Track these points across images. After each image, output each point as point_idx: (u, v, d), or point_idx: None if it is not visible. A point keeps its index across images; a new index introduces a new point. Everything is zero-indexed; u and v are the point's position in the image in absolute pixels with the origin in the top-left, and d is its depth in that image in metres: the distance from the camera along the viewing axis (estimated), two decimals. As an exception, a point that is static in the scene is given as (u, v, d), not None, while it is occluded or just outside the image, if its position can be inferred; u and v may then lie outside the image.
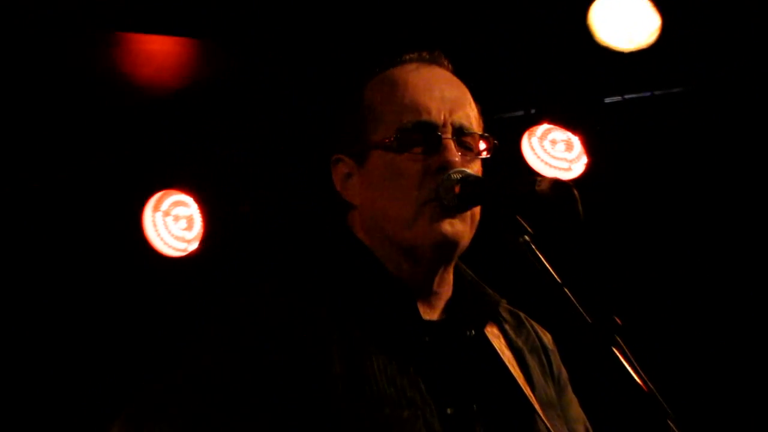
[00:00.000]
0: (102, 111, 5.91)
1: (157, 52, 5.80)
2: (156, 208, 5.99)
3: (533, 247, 2.68)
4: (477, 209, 2.89)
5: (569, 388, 3.12)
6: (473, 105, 3.02)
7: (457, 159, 2.86)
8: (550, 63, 5.71)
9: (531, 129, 5.76)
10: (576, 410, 3.10)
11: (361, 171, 2.96)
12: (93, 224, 6.13)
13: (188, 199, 5.97)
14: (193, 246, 5.95)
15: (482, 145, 2.97)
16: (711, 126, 5.93)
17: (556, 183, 2.71)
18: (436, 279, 2.95)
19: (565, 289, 2.62)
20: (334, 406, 2.76)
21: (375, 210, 2.94)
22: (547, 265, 2.66)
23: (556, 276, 2.64)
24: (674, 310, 6.11)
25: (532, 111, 5.77)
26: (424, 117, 2.91)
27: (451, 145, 2.88)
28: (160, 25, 5.55)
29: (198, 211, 5.95)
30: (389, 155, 2.92)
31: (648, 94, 5.85)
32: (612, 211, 6.02)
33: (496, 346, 2.96)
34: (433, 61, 3.03)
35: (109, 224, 6.10)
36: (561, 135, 5.77)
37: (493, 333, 3.00)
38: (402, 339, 2.89)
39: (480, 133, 2.96)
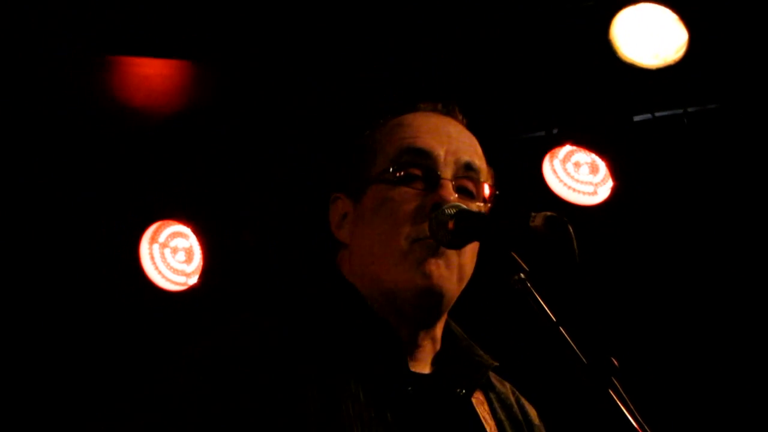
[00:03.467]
0: (94, 137, 5.98)
1: (151, 76, 5.88)
2: (153, 240, 6.06)
3: (528, 285, 2.71)
4: (468, 263, 2.97)
5: None
6: (482, 157, 3.11)
7: (453, 197, 2.93)
8: (573, 80, 5.72)
9: (553, 151, 5.79)
10: None
11: (356, 208, 3.05)
12: (87, 259, 6.17)
13: (186, 230, 6.03)
14: (193, 279, 6.02)
15: (485, 192, 3.05)
16: (750, 145, 5.89)
17: (550, 219, 2.78)
18: (421, 333, 3.02)
19: (561, 329, 2.65)
20: None
21: (363, 248, 3.02)
22: (543, 304, 2.69)
23: (551, 315, 2.66)
24: (705, 340, 6.12)
25: (554, 131, 5.79)
26: (425, 149, 3.01)
27: (449, 185, 2.96)
28: (154, 48, 5.63)
29: (197, 242, 6.01)
30: (384, 188, 3.00)
31: (680, 111, 5.81)
32: (640, 238, 6.08)
33: (479, 412, 3.03)
34: (447, 113, 3.15)
35: (104, 258, 6.14)
36: (585, 157, 5.80)
37: (477, 399, 3.07)
38: (384, 386, 2.95)
39: (482, 171, 3.06)
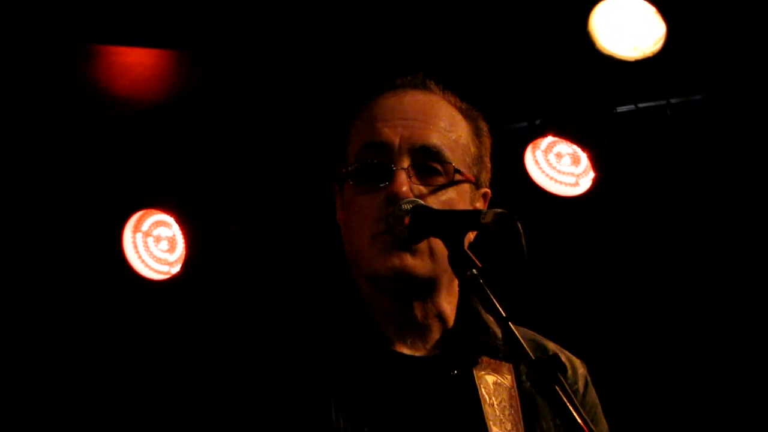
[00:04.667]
0: (77, 125, 5.96)
1: (134, 65, 5.87)
2: (136, 229, 6.06)
3: (480, 281, 2.72)
4: (438, 242, 2.92)
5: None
6: (457, 127, 3.09)
7: (404, 189, 2.94)
8: (555, 71, 5.75)
9: (535, 141, 5.82)
10: None
11: (342, 199, 3.10)
12: (69, 247, 6.16)
13: (170, 219, 6.02)
14: (176, 268, 6.01)
15: (452, 171, 3.03)
16: (733, 136, 5.92)
17: (500, 216, 2.76)
18: (417, 312, 3.04)
19: (510, 324, 2.66)
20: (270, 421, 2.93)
21: (345, 237, 3.08)
22: (493, 300, 2.70)
23: (501, 311, 2.67)
24: (683, 330, 6.12)
25: (537, 122, 5.81)
26: (380, 142, 3.01)
27: (402, 175, 2.97)
28: (136, 36, 5.61)
29: (180, 231, 6.00)
30: (351, 184, 3.04)
31: (663, 102, 5.83)
32: (622, 230, 6.12)
33: (483, 388, 3.00)
34: (414, 86, 3.12)
35: (86, 246, 6.14)
36: (567, 148, 5.82)
37: (488, 371, 3.04)
38: (367, 374, 2.98)
39: (445, 154, 3.02)
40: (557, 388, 2.54)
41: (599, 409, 3.17)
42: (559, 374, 2.57)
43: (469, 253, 2.79)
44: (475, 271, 2.74)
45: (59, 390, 6.35)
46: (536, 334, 3.16)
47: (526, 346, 2.69)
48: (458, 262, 2.77)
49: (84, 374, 6.29)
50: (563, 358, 3.05)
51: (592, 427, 2.54)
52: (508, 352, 2.87)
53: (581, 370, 3.17)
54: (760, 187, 6.01)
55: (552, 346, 3.16)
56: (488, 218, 2.78)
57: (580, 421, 2.52)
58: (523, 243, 2.69)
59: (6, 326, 6.35)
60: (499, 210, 2.87)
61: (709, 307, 6.18)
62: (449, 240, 2.81)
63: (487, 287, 2.73)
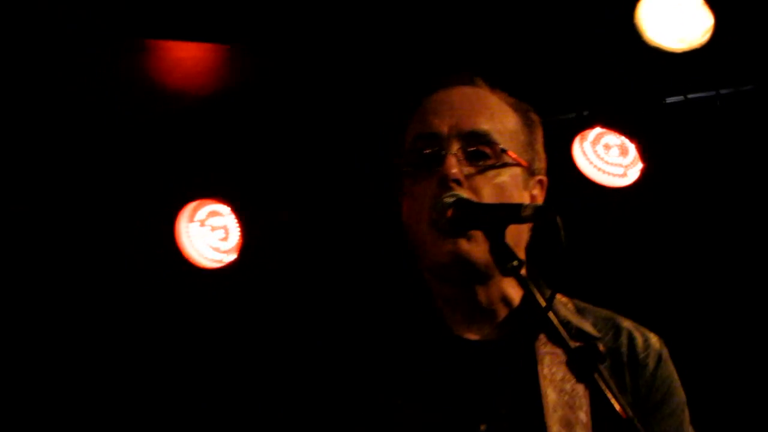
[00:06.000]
0: (133, 118, 6.03)
1: (188, 59, 5.88)
2: (191, 219, 6.11)
3: (520, 272, 2.73)
4: None
5: (664, 410, 3.09)
6: (505, 116, 3.11)
7: (454, 170, 2.97)
8: (604, 62, 5.73)
9: (582, 133, 5.80)
10: (664, 427, 3.07)
11: (404, 195, 3.14)
12: (125, 238, 6.23)
13: (224, 209, 6.08)
14: (231, 257, 6.06)
15: (502, 153, 3.03)
16: None
17: (540, 209, 2.79)
18: (481, 297, 3.05)
19: (550, 314, 2.67)
20: (336, 403, 3.00)
21: (409, 233, 3.09)
22: (533, 290, 2.71)
23: (541, 300, 2.68)
24: (731, 323, 6.05)
25: (585, 113, 5.81)
26: (430, 132, 3.05)
27: (452, 159, 2.99)
28: (187, 31, 5.64)
29: (234, 220, 6.05)
30: (407, 178, 3.08)
31: (713, 93, 5.80)
32: (670, 220, 6.08)
33: (547, 369, 3.00)
34: (462, 83, 3.15)
35: (142, 236, 6.20)
36: (615, 139, 5.80)
37: (554, 353, 3.03)
38: (430, 362, 3.01)
39: (493, 139, 3.03)
40: (596, 375, 2.54)
41: (674, 383, 3.11)
42: (598, 360, 2.55)
43: (509, 245, 2.78)
44: (516, 263, 2.74)
45: (118, 376, 6.40)
46: (613, 314, 3.16)
47: (576, 322, 2.82)
48: (498, 254, 2.77)
49: (141, 363, 6.36)
50: (635, 333, 3.12)
51: (629, 411, 2.54)
52: (550, 339, 2.88)
53: (656, 346, 3.13)
54: None
55: (627, 324, 3.15)
56: (528, 212, 2.79)
57: (617, 406, 2.52)
58: (563, 236, 2.66)
59: (65, 315, 6.41)
60: (539, 204, 2.97)
61: (754, 296, 6.09)
62: (490, 233, 2.82)
63: (528, 278, 2.74)
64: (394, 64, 5.60)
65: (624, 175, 5.79)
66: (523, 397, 2.97)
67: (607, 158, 5.81)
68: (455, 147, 3.01)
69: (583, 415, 2.94)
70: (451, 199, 2.90)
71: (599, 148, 5.82)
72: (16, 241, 6.30)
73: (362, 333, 3.11)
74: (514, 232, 2.91)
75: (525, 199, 3.07)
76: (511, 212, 2.82)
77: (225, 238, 6.08)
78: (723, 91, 5.81)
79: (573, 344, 2.62)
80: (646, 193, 5.79)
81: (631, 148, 5.78)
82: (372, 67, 5.70)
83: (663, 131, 5.78)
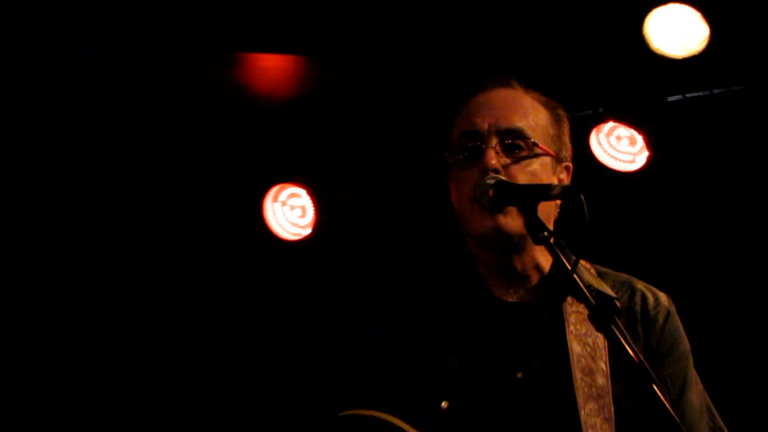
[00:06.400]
0: (229, 119, 6.00)
1: (272, 68, 5.83)
2: (275, 199, 6.11)
3: (550, 240, 2.73)
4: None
5: (671, 359, 3.05)
6: (538, 113, 3.10)
7: (493, 162, 2.97)
8: (617, 67, 5.65)
9: (598, 126, 5.76)
10: (671, 373, 3.03)
11: (451, 181, 3.14)
12: (225, 215, 6.23)
13: (301, 191, 6.09)
14: (307, 231, 6.07)
15: (533, 146, 3.02)
16: None
17: (566, 189, 2.80)
18: (517, 264, 3.05)
19: (575, 276, 2.66)
20: (392, 354, 3.04)
21: (456, 212, 3.09)
22: (561, 256, 2.70)
23: (567, 264, 2.68)
24: (722, 305, 5.88)
25: (600, 110, 5.77)
26: (472, 130, 3.05)
27: (491, 152, 2.99)
28: (272, 44, 5.62)
29: (310, 200, 6.06)
30: (454, 167, 3.08)
31: (708, 92, 5.73)
32: (672, 200, 6.02)
33: (573, 326, 2.99)
34: (500, 85, 3.14)
35: (236, 214, 6.19)
36: (625, 132, 5.75)
37: (579, 312, 3.01)
38: (474, 320, 3.03)
39: (527, 134, 3.02)
40: (613, 327, 2.54)
41: (680, 335, 3.09)
42: (615, 315, 2.56)
43: (540, 219, 2.78)
44: (546, 233, 2.74)
45: (211, 337, 6.44)
46: (629, 277, 3.15)
47: (596, 285, 2.78)
48: (532, 226, 2.78)
49: (237, 316, 6.39)
50: (646, 293, 3.10)
51: (642, 358, 2.54)
52: (575, 298, 2.90)
53: (665, 303, 3.11)
54: None
55: (640, 285, 3.13)
56: (556, 191, 2.80)
57: (632, 353, 2.53)
58: (586, 211, 2.66)
59: (169, 284, 6.42)
60: (566, 184, 2.99)
61: (747, 259, 5.99)
62: (524, 208, 2.82)
63: (555, 246, 2.73)
64: (443, 69, 5.56)
65: (633, 161, 5.78)
66: (552, 350, 2.97)
67: (619, 147, 5.79)
68: (494, 141, 3.01)
69: (603, 364, 2.94)
70: (492, 181, 2.91)
71: (612, 139, 5.80)
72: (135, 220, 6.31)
73: (418, 295, 3.13)
74: (545, 208, 2.89)
75: (554, 182, 3.06)
76: (542, 191, 2.84)
77: (302, 216, 6.10)
78: (716, 91, 5.76)
79: (594, 302, 2.61)
80: (651, 176, 5.75)
81: (639, 138, 5.76)
82: (424, 72, 5.67)
83: (666, 125, 5.73)
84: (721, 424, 3.07)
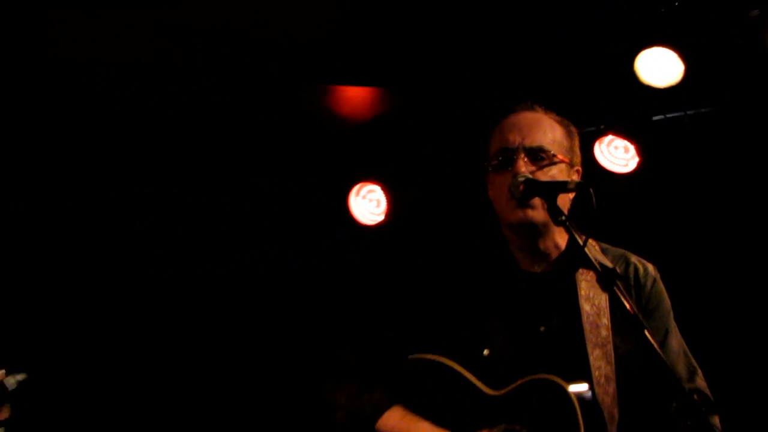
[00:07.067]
0: (323, 136, 5.94)
1: (353, 98, 5.81)
2: (357, 194, 6.12)
3: (567, 223, 2.73)
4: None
5: (657, 314, 2.99)
6: (555, 131, 3.05)
7: (522, 169, 2.93)
8: (614, 95, 5.59)
9: (600, 139, 5.74)
10: (657, 325, 2.96)
11: (490, 183, 3.09)
12: (320, 207, 6.17)
13: (376, 188, 6.09)
14: (381, 218, 6.07)
15: (552, 156, 2.98)
16: (733, 136, 5.69)
17: (579, 184, 2.80)
18: (539, 244, 3.00)
19: (585, 251, 2.65)
20: (446, 314, 2.99)
21: (494, 206, 3.06)
22: (575, 234, 2.69)
23: (579, 240, 2.68)
24: (697, 272, 5.63)
25: (601, 127, 5.73)
26: (507, 147, 3.01)
27: (520, 162, 2.95)
28: (355, 79, 5.59)
29: (383, 195, 6.06)
30: (492, 173, 3.05)
31: (682, 113, 5.67)
32: (655, 195, 5.92)
33: (584, 291, 2.93)
34: (526, 109, 3.09)
35: (326, 206, 6.17)
36: (620, 143, 5.71)
37: (588, 280, 2.95)
38: (505, 287, 3.00)
39: (547, 149, 2.98)
40: (615, 289, 2.54)
41: (664, 297, 3.04)
42: (617, 278, 2.55)
43: (559, 207, 2.77)
44: (563, 217, 2.74)
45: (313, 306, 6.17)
46: (625, 251, 3.09)
47: (601, 259, 2.70)
48: (553, 212, 2.78)
49: (330, 282, 6.22)
50: (638, 263, 3.04)
51: (638, 312, 2.52)
52: (586, 264, 2.75)
53: (652, 272, 3.05)
54: (749, 176, 5.79)
55: (633, 258, 3.08)
56: (572, 186, 2.82)
57: (629, 307, 2.51)
58: (594, 201, 2.69)
59: (279, 263, 6.18)
60: (579, 180, 2.96)
61: (725, 236, 5.78)
62: (547, 198, 2.81)
63: (573, 225, 2.72)
64: (482, 97, 5.47)
65: (626, 165, 5.73)
66: (567, 309, 2.94)
67: (616, 154, 5.75)
68: (522, 154, 2.98)
69: (606, 320, 2.91)
70: (523, 179, 2.90)
71: (611, 148, 5.76)
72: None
73: (465, 269, 3.07)
74: (562, 199, 2.86)
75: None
76: (561, 186, 2.84)
77: (377, 206, 6.07)
78: (689, 112, 5.69)
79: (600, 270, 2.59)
80: (640, 177, 5.69)
81: (631, 148, 5.72)
82: (468, 99, 5.59)
83: (651, 137, 5.67)
84: (694, 362, 3.03)
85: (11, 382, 2.62)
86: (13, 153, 5.34)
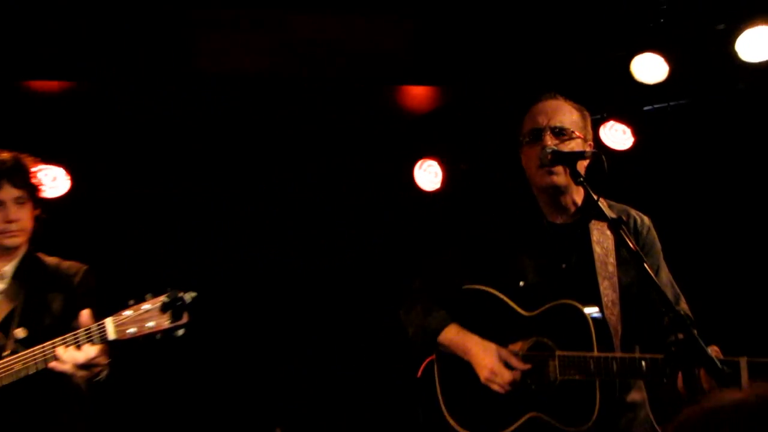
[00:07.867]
0: (387, 127, 5.78)
1: (415, 96, 5.63)
2: (419, 167, 5.96)
3: (584, 183, 2.67)
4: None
5: (651, 254, 2.89)
6: (573, 114, 2.93)
7: (549, 142, 2.84)
8: (615, 91, 5.36)
9: (603, 124, 5.55)
10: (651, 262, 2.86)
11: (523, 155, 3.00)
12: (391, 179, 5.89)
13: (435, 163, 5.91)
14: (437, 185, 5.90)
15: (572, 134, 2.89)
16: (707, 123, 5.45)
17: (594, 153, 2.71)
18: (561, 201, 2.92)
19: (599, 203, 2.61)
20: (490, 255, 2.94)
21: (527, 172, 2.97)
22: (591, 192, 2.63)
23: (593, 195, 2.63)
24: (683, 224, 5.34)
25: (604, 114, 5.53)
26: (535, 127, 2.91)
27: (547, 137, 2.86)
28: (418, 79, 5.47)
29: (440, 168, 5.89)
30: (525, 147, 2.95)
31: (666, 104, 5.42)
32: (648, 168, 5.70)
33: (595, 237, 2.84)
34: (550, 98, 3.00)
35: (397, 177, 5.95)
36: (620, 126, 5.53)
37: (598, 228, 2.86)
38: (534, 234, 2.94)
39: (567, 128, 2.88)
40: (621, 232, 2.48)
41: (656, 241, 2.94)
42: (622, 226, 2.49)
43: (578, 170, 2.69)
44: (582, 178, 2.68)
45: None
46: (626, 206, 3.01)
47: (607, 212, 2.59)
48: (574, 175, 2.71)
49: (399, 236, 5.90)
50: (636, 216, 2.95)
51: (639, 250, 2.46)
52: (598, 216, 2.76)
53: (647, 222, 2.96)
54: (720, 152, 5.56)
55: (633, 212, 2.98)
56: (588, 155, 2.76)
57: (632, 245, 2.45)
58: (605, 166, 2.59)
59: (360, 223, 5.89)
60: (594, 150, 2.83)
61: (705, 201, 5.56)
62: (569, 164, 2.74)
63: (588, 186, 2.66)
64: (516, 90, 5.28)
65: (624, 144, 5.54)
66: (583, 252, 2.88)
67: (616, 136, 5.55)
68: (548, 132, 2.88)
69: (612, 259, 2.86)
70: (550, 150, 2.81)
71: (612, 131, 5.55)
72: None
73: (504, 222, 3.00)
74: (580, 165, 2.78)
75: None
76: (580, 155, 2.76)
77: (435, 176, 5.92)
78: (672, 103, 5.41)
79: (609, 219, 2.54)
80: (636, 154, 5.48)
81: (628, 131, 5.52)
82: (506, 92, 5.39)
83: (643, 123, 5.45)
84: (678, 290, 2.93)
85: (187, 297, 2.59)
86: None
